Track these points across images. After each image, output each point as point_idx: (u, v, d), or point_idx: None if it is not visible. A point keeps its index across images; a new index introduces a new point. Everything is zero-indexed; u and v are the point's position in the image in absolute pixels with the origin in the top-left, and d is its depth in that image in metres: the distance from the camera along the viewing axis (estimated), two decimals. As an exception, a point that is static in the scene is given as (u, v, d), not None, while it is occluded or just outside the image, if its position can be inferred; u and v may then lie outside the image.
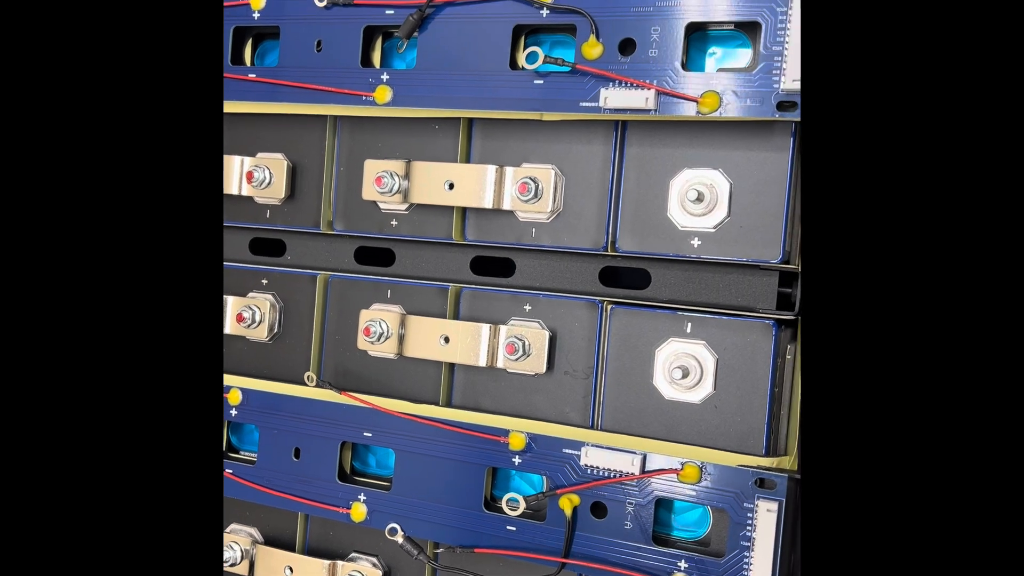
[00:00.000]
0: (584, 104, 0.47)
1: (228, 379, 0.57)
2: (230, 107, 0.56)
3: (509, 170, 0.50)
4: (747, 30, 0.47)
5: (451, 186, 0.51)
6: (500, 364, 0.50)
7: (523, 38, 0.51)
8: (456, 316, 0.53)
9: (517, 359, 0.50)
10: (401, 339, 0.53)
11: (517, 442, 0.49)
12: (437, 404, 0.53)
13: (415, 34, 0.51)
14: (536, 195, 0.49)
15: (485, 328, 0.51)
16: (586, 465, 0.48)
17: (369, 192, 0.53)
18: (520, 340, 0.50)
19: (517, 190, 0.49)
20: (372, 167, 0.53)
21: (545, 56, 0.46)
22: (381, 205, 0.54)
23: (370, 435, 0.53)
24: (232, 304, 0.57)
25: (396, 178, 0.52)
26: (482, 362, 0.51)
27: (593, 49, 0.47)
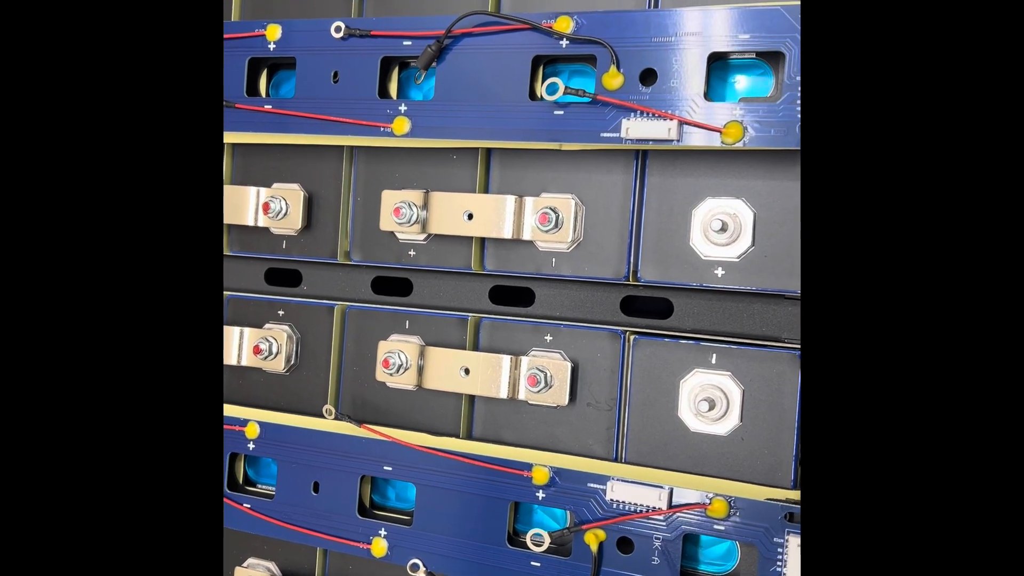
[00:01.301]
0: (605, 135, 0.47)
1: (245, 412, 0.57)
2: (246, 138, 0.56)
3: (528, 200, 0.50)
4: (769, 59, 0.47)
5: (470, 216, 0.51)
6: (522, 396, 0.50)
7: (542, 68, 0.50)
8: (476, 347, 0.52)
9: (539, 391, 0.49)
10: (420, 370, 0.52)
11: (541, 476, 0.49)
12: (458, 436, 0.52)
13: (433, 65, 0.50)
14: (556, 225, 0.49)
15: (506, 359, 0.50)
16: (612, 500, 0.47)
17: (387, 223, 0.53)
18: (542, 372, 0.49)
19: (537, 220, 0.49)
20: (390, 198, 0.53)
21: (566, 87, 0.46)
22: (399, 235, 0.54)
23: (390, 469, 0.52)
24: (249, 336, 0.57)
25: (414, 208, 0.52)
26: (503, 394, 0.50)
27: (614, 80, 0.46)
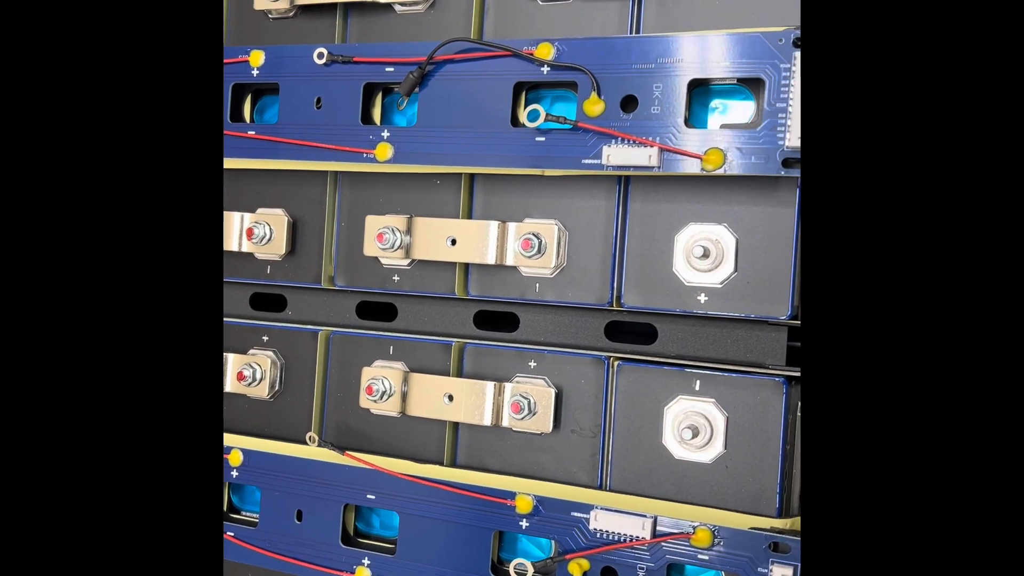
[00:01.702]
0: (586, 161, 0.46)
1: (229, 439, 0.56)
2: (230, 163, 0.56)
3: (512, 225, 0.50)
4: (750, 84, 0.47)
5: (453, 242, 0.51)
6: (505, 423, 0.49)
7: (524, 93, 0.50)
8: (460, 372, 0.52)
9: (523, 418, 0.49)
10: (404, 397, 0.52)
11: (524, 505, 0.48)
12: (442, 463, 0.52)
13: (415, 91, 0.50)
14: (540, 251, 0.49)
15: (490, 386, 0.50)
16: (596, 529, 0.47)
17: (371, 248, 0.53)
18: (526, 399, 0.49)
19: (520, 246, 0.49)
20: (373, 223, 0.53)
21: (547, 114, 0.46)
22: (383, 260, 0.54)
23: (373, 497, 0.52)
24: (233, 361, 0.56)
25: (398, 234, 0.52)
26: (487, 421, 0.50)
27: (595, 106, 0.46)
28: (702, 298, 0.46)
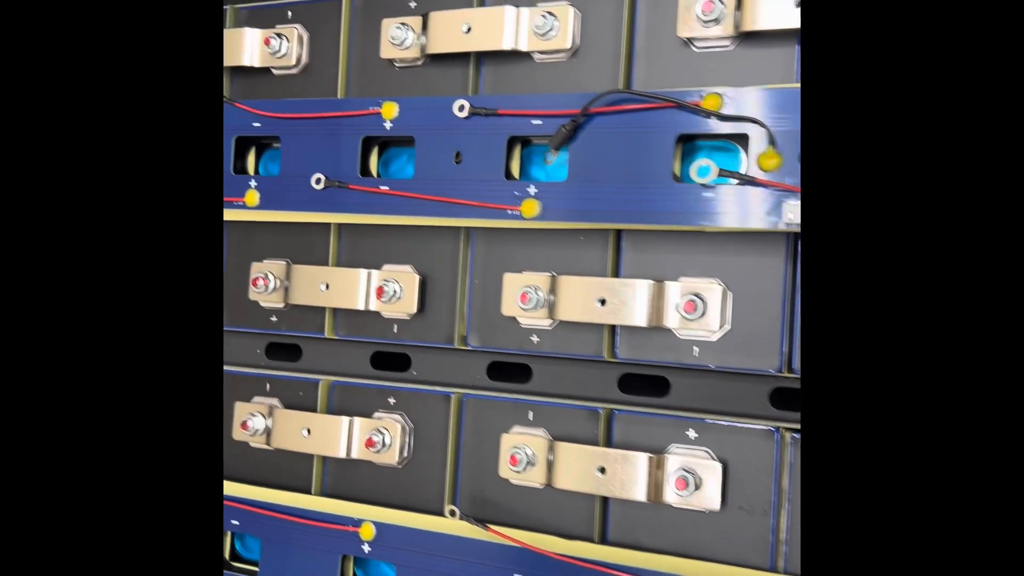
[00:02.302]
0: (762, 218, 0.43)
1: (359, 509, 0.53)
2: (362, 219, 0.53)
3: (669, 285, 0.46)
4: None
5: (603, 302, 0.48)
6: (667, 499, 0.46)
7: (679, 146, 0.48)
8: (608, 441, 0.49)
9: (688, 495, 0.45)
10: (550, 467, 0.49)
11: (695, 591, 0.45)
12: (592, 540, 0.48)
13: (566, 144, 0.48)
14: (702, 313, 0.46)
15: (644, 457, 0.46)
16: (779, 619, 0.43)
17: (510, 308, 0.50)
18: (689, 472, 0.45)
19: (684, 308, 0.46)
20: (514, 281, 0.50)
21: (721, 170, 0.43)
22: (522, 321, 0.51)
23: (522, 577, 0.49)
24: (360, 426, 0.53)
25: (540, 293, 0.49)
26: (641, 496, 0.46)
27: (770, 160, 0.43)
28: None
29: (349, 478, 0.55)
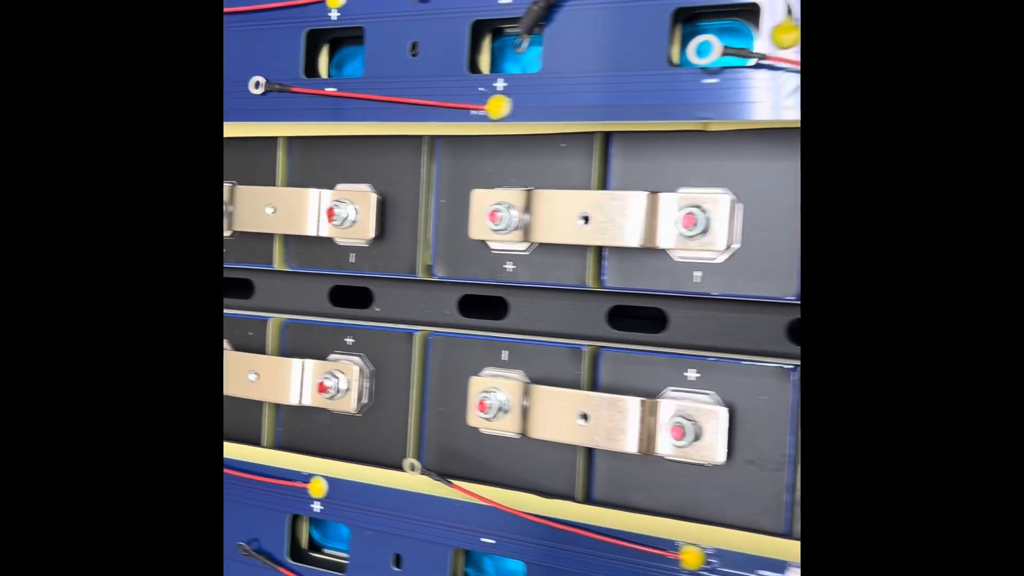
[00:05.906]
0: (778, 108, 0.35)
1: (309, 463, 0.47)
2: (304, 129, 0.46)
3: (665, 196, 0.39)
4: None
5: (586, 220, 0.40)
6: (661, 450, 0.39)
7: (679, 28, 0.39)
8: (594, 384, 0.41)
9: (685, 445, 0.38)
10: (525, 414, 0.42)
11: (693, 559, 0.37)
12: (574, 499, 0.41)
13: (539, 29, 0.40)
14: (704, 229, 0.38)
15: (635, 402, 0.39)
16: (793, 595, 0.36)
17: (479, 230, 0.42)
18: (689, 420, 0.38)
19: (681, 223, 0.38)
20: (482, 199, 0.42)
21: (724, 46, 0.35)
22: (493, 245, 0.43)
23: (492, 542, 0.42)
24: (313, 370, 0.47)
25: (514, 212, 0.41)
26: (632, 448, 0.39)
27: (787, 34, 0.35)
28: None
29: (304, 429, 0.48)
